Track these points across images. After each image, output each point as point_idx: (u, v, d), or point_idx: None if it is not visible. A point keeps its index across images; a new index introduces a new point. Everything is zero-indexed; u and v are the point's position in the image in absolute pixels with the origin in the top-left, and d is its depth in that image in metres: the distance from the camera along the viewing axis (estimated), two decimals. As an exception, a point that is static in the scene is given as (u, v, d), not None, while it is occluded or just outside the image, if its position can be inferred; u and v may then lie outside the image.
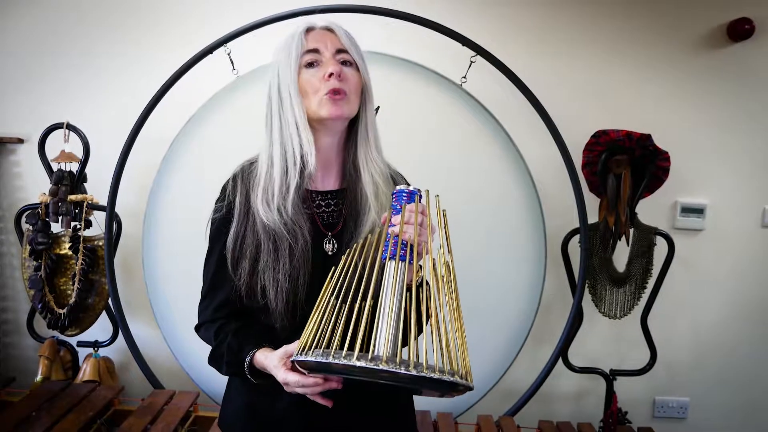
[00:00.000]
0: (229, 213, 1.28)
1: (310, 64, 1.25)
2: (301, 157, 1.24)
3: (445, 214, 1.16)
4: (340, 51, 1.25)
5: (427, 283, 1.10)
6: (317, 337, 1.07)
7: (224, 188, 1.32)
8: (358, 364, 0.98)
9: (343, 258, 1.13)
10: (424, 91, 2.41)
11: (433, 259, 1.10)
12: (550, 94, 2.43)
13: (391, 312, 1.07)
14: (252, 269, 1.24)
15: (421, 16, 2.27)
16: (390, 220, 1.14)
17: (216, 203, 1.32)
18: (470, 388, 1.04)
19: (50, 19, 2.63)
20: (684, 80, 2.62)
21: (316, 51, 1.25)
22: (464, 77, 2.34)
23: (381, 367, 0.97)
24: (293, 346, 1.15)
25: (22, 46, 2.65)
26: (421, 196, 1.15)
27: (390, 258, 1.10)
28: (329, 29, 1.27)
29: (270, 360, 1.18)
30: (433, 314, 1.05)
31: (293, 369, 1.13)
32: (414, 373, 0.98)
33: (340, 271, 1.12)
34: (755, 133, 2.64)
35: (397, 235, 1.10)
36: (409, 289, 1.10)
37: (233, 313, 1.32)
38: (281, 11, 2.27)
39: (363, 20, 2.32)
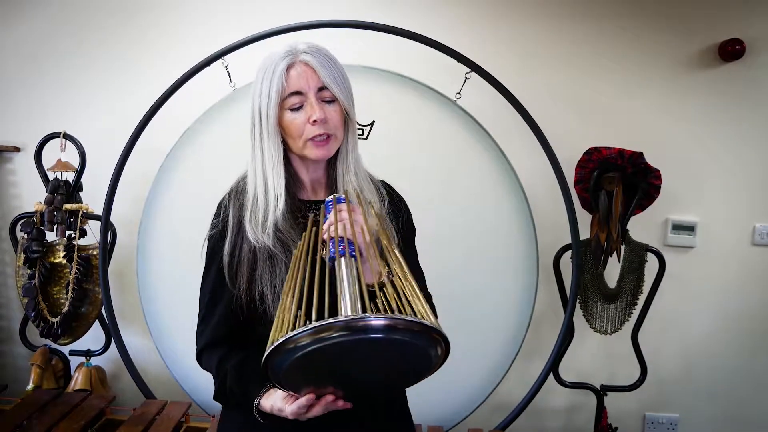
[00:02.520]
0: (225, 229, 1.30)
1: (293, 106, 1.25)
2: (275, 196, 1.28)
3: (358, 194, 1.26)
4: (321, 89, 1.25)
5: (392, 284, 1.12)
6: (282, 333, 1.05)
7: (220, 205, 1.35)
8: (324, 323, 0.94)
9: (293, 260, 1.16)
10: (419, 105, 2.42)
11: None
12: (544, 111, 2.46)
13: (353, 301, 1.05)
14: (250, 276, 1.26)
15: (417, 32, 2.30)
16: (326, 227, 1.19)
17: (213, 220, 1.34)
18: (447, 341, 1.01)
19: (48, 29, 2.65)
20: (676, 99, 2.65)
21: (299, 93, 1.24)
22: (459, 93, 2.36)
23: (358, 316, 0.95)
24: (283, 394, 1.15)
25: (19, 54, 2.67)
26: (345, 199, 1.21)
27: (339, 257, 1.12)
28: (306, 63, 1.24)
29: (275, 404, 1.17)
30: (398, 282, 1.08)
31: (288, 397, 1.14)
32: (388, 319, 0.95)
33: (292, 270, 1.14)
34: (746, 151, 2.67)
35: (333, 237, 1.14)
36: (372, 287, 1.10)
37: (232, 334, 1.31)
38: (279, 25, 2.29)
39: (357, 35, 2.35)
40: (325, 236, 1.16)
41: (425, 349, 1.01)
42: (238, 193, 1.33)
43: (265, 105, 1.26)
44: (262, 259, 1.25)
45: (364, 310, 1.02)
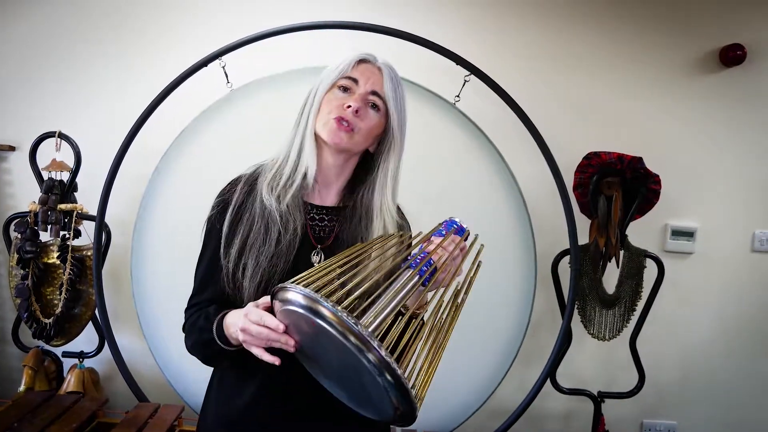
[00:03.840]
0: (227, 205, 1.30)
1: (344, 89, 1.28)
2: (305, 165, 1.29)
3: (480, 264, 1.25)
4: (375, 93, 1.28)
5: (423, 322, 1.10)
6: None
7: (223, 190, 1.35)
8: (338, 311, 0.95)
9: (380, 239, 1.19)
10: (417, 108, 2.40)
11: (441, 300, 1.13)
12: (543, 115, 2.45)
13: (387, 306, 1.05)
14: (241, 248, 1.26)
15: (416, 34, 2.28)
16: (430, 238, 1.20)
17: (215, 200, 1.34)
18: (413, 413, 1.00)
19: (45, 28, 2.63)
20: (677, 104, 2.64)
21: (354, 80, 1.29)
22: (458, 96, 2.35)
23: (352, 322, 0.94)
24: (262, 299, 1.14)
25: (15, 54, 2.65)
26: (467, 234, 1.24)
27: (410, 268, 1.12)
28: (379, 68, 1.30)
29: (239, 311, 1.17)
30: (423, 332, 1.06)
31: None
32: (392, 364, 0.93)
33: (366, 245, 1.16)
34: (746, 157, 2.66)
35: (427, 252, 1.15)
36: (412, 315, 1.11)
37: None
38: (276, 26, 2.28)
39: (356, 37, 2.33)
40: (430, 248, 1.17)
41: (388, 409, 1.00)
42: (250, 175, 1.34)
43: (324, 81, 1.30)
44: (256, 231, 1.26)
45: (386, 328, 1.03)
